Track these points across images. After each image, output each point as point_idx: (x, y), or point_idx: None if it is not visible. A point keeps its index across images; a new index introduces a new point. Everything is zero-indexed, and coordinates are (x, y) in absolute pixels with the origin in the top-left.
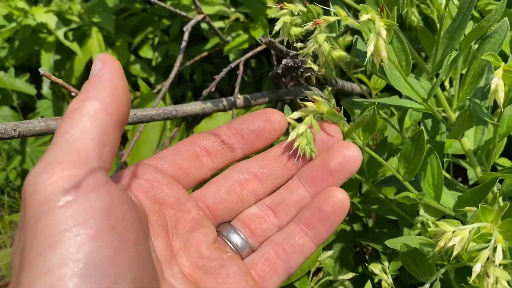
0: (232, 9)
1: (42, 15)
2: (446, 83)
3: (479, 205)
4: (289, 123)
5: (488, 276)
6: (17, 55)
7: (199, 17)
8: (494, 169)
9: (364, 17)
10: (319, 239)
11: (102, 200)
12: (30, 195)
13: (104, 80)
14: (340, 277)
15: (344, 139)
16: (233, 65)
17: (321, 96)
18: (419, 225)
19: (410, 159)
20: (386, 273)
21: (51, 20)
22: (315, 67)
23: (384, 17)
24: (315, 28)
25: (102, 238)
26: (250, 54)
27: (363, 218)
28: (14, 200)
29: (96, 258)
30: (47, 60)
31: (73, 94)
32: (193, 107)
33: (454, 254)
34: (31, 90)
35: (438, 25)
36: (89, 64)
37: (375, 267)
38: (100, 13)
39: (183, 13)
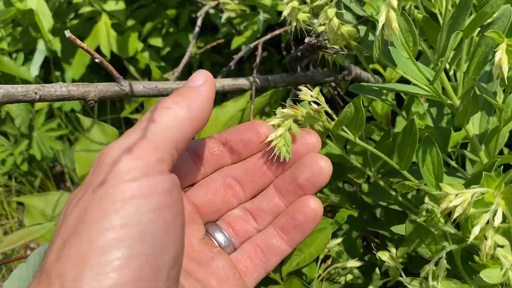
0: (237, 1)
1: (33, 2)
2: (451, 73)
3: (483, 173)
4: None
5: (486, 238)
6: (22, 42)
7: (213, 3)
8: None
9: None
10: (293, 243)
11: (164, 183)
12: (106, 164)
13: (200, 96)
14: (349, 265)
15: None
16: (251, 45)
17: (311, 95)
18: (424, 212)
19: (404, 148)
20: (394, 260)
21: (40, 8)
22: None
23: None
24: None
25: (160, 212)
26: (269, 36)
27: (372, 209)
28: (21, 185)
29: (151, 226)
30: (39, 45)
31: (96, 60)
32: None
33: (456, 215)
34: (28, 75)
35: (440, 18)
36: (99, 51)
37: (382, 255)
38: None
39: None
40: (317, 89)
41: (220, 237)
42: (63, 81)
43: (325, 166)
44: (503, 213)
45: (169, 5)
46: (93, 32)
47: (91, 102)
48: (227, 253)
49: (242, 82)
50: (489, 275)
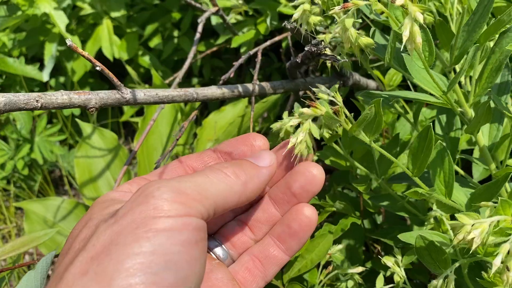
0: (241, 1)
1: (46, 6)
2: (462, 79)
3: (499, 198)
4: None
5: (508, 270)
6: (25, 45)
7: (214, 9)
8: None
9: (398, 1)
10: (290, 251)
11: (196, 223)
12: (150, 197)
13: (259, 178)
14: (350, 271)
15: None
16: (251, 52)
17: (328, 94)
18: (431, 220)
19: (418, 155)
20: (399, 267)
21: (55, 12)
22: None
23: (416, 2)
24: (333, 19)
25: (188, 246)
26: (268, 43)
27: (372, 215)
28: (20, 190)
29: (178, 258)
30: (50, 49)
31: (97, 68)
32: (214, 91)
33: (474, 247)
34: (40, 76)
35: (451, 22)
36: (99, 56)
37: (388, 260)
38: (113, 3)
39: (198, 4)
40: (335, 87)
41: (218, 250)
42: (66, 84)
43: (318, 174)
44: None
45: (171, 9)
46: (94, 35)
47: (92, 109)
48: (225, 265)
49: (242, 89)
50: None
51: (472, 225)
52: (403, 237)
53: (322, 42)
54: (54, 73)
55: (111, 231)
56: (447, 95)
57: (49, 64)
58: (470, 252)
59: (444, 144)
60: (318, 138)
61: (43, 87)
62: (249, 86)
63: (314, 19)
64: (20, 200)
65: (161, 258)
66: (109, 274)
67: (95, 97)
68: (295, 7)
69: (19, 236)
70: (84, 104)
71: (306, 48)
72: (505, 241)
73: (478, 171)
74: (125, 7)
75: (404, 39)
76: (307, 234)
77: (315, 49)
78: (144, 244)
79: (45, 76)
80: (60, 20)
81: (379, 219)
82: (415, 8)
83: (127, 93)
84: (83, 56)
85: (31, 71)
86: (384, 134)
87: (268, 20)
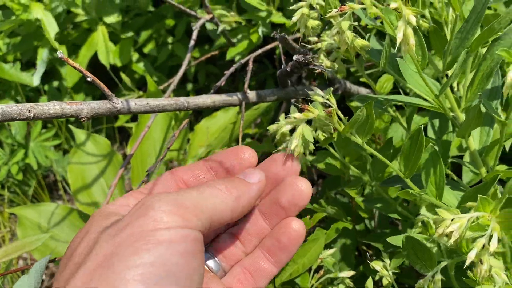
0: (233, 13)
1: (39, 11)
2: (454, 85)
3: (479, 196)
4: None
5: (481, 263)
6: (20, 50)
7: (208, 17)
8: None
9: (393, 4)
10: (280, 264)
11: (194, 234)
12: (149, 210)
13: (250, 193)
14: (341, 275)
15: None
16: (243, 61)
17: (322, 97)
18: (420, 223)
19: (410, 157)
20: (387, 270)
21: (46, 18)
22: (328, 63)
23: (409, 5)
24: (330, 23)
25: (187, 257)
26: (260, 51)
27: (365, 220)
28: (14, 195)
29: (177, 269)
30: (41, 54)
31: (88, 79)
32: (205, 99)
33: (452, 240)
34: (31, 81)
35: (446, 29)
36: (92, 61)
37: (376, 264)
38: (107, 9)
39: (193, 12)
40: (329, 89)
41: (210, 263)
42: (61, 88)
43: (305, 188)
44: (498, 238)
45: (165, 15)
46: (89, 41)
47: (84, 119)
48: (218, 277)
49: (233, 97)
50: None
51: (452, 220)
52: (392, 240)
53: (310, 52)
54: (48, 78)
55: (112, 243)
56: (439, 99)
57: (40, 69)
58: (451, 243)
59: (436, 147)
60: (312, 142)
61: (37, 92)
62: (240, 95)
63: (312, 22)
64: (14, 205)
65: (161, 269)
66: (110, 285)
67: (86, 107)
68: (294, 11)
69: (13, 241)
70: (76, 114)
71: (294, 58)
72: (481, 236)
73: (468, 176)
74: (119, 13)
75: (398, 40)
76: (296, 247)
77: (303, 59)
78: (144, 256)
79: (35, 80)
80: (51, 28)
81: (371, 224)
82: (408, 11)
83: (118, 102)
84: (74, 67)
85: (25, 77)
86: (376, 141)
87: (260, 30)
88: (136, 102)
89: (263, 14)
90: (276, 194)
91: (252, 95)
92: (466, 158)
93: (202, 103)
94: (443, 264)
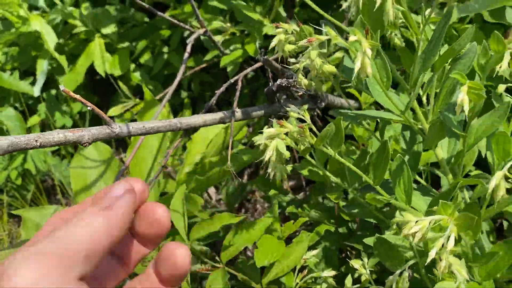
0: (229, 24)
1: (38, 24)
2: (424, 99)
3: (440, 201)
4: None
5: (440, 260)
6: (19, 60)
7: (201, 30)
8: (466, 176)
9: (352, 38)
10: None
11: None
12: (6, 276)
13: (119, 206)
14: (324, 274)
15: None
16: (232, 80)
17: (298, 113)
18: (394, 226)
19: (378, 166)
20: (365, 268)
21: (45, 30)
22: (306, 82)
23: (369, 38)
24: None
25: None
26: (249, 70)
27: (349, 222)
28: (13, 199)
29: None
30: (41, 65)
31: (89, 108)
32: (196, 119)
33: (416, 240)
34: (32, 91)
35: (419, 48)
36: (90, 68)
37: (355, 263)
38: (104, 20)
39: (186, 26)
40: (304, 107)
41: None
42: (59, 96)
43: (163, 213)
44: (458, 235)
45: (161, 26)
46: (86, 51)
47: (85, 144)
48: None
49: (222, 116)
50: (444, 287)
51: (416, 222)
52: (368, 241)
53: (293, 76)
54: (47, 86)
55: None
56: (405, 114)
57: (40, 79)
58: (416, 243)
59: (406, 157)
60: (286, 154)
61: (35, 99)
62: (228, 113)
63: (289, 47)
64: (13, 209)
65: None
66: None
67: (87, 134)
68: (274, 36)
69: (11, 243)
70: (78, 140)
71: (278, 82)
72: (441, 236)
73: (445, 182)
74: (116, 25)
75: (356, 69)
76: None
77: (286, 82)
78: None
79: (36, 91)
80: (50, 39)
81: (353, 227)
82: (366, 44)
83: (116, 127)
84: (76, 99)
85: (24, 86)
86: (360, 148)
87: (257, 43)
88: (133, 126)
89: (259, 25)
90: (137, 223)
91: (240, 113)
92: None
93: (193, 123)
94: (410, 262)
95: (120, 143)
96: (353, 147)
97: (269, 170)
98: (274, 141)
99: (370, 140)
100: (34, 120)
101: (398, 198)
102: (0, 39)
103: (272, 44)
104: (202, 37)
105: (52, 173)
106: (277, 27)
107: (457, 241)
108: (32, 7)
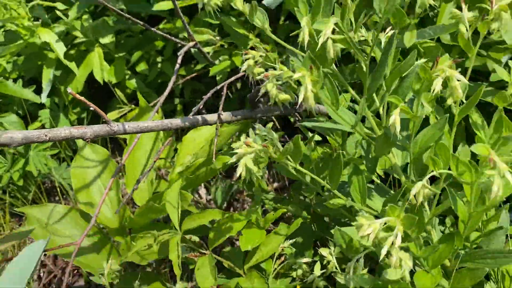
0: (218, 38)
1: (46, 35)
2: (381, 111)
3: (388, 204)
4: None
5: (391, 255)
6: (24, 68)
7: (191, 43)
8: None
9: (297, 74)
10: None
11: None
12: None
13: None
14: (299, 261)
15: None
16: (218, 87)
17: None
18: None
19: (333, 174)
20: (331, 256)
21: (54, 40)
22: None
23: (314, 72)
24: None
25: None
26: (233, 78)
27: (324, 217)
28: (15, 199)
29: None
30: (47, 74)
31: (91, 108)
32: (185, 121)
33: (370, 241)
34: (37, 99)
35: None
36: (89, 76)
37: (323, 251)
38: (103, 31)
39: (177, 40)
40: (269, 125)
41: None
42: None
43: None
44: (405, 232)
45: (155, 37)
46: (86, 60)
47: (88, 140)
48: None
49: (209, 118)
50: (390, 273)
51: (368, 225)
52: (334, 232)
53: (261, 90)
54: (48, 94)
55: None
56: (356, 127)
57: (47, 88)
58: (370, 242)
59: (364, 162)
60: (254, 169)
61: (36, 106)
62: (214, 116)
63: (258, 70)
64: (15, 206)
65: None
66: None
67: (90, 130)
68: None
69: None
70: (81, 136)
71: (248, 96)
72: (390, 236)
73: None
74: (113, 35)
75: (300, 100)
76: None
77: (256, 94)
78: None
79: (43, 98)
80: (59, 49)
81: (327, 220)
82: (308, 79)
83: (114, 126)
84: (80, 100)
85: (28, 93)
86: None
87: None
88: (129, 125)
89: (244, 38)
90: None
91: (225, 116)
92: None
93: (182, 124)
94: (366, 251)
95: (116, 147)
96: (327, 149)
97: (243, 174)
98: (242, 160)
99: (344, 143)
100: (35, 126)
101: (354, 199)
102: (8, 50)
103: (243, 68)
104: (192, 51)
105: (52, 175)
106: (245, 54)
107: (406, 237)
108: (34, 19)
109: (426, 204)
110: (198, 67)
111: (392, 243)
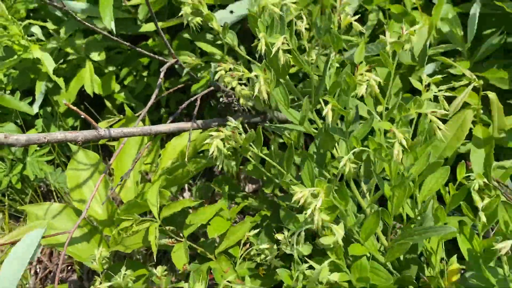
0: (194, 58)
1: (38, 52)
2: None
3: (316, 179)
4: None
5: (314, 215)
6: (18, 82)
7: (173, 61)
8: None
9: (253, 73)
10: None
11: None
12: None
13: None
14: (261, 247)
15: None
16: (192, 99)
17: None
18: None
19: (288, 160)
20: (286, 239)
21: (45, 57)
22: (242, 101)
23: (268, 73)
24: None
25: None
26: (205, 91)
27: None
28: (13, 201)
29: None
30: (40, 87)
31: (82, 116)
32: (163, 127)
33: (300, 204)
34: (31, 111)
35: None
36: (81, 90)
37: (279, 236)
38: (93, 49)
39: (160, 58)
40: (239, 119)
41: None
42: (53, 113)
43: None
44: (335, 205)
45: (142, 53)
46: (78, 75)
47: (79, 142)
48: None
49: (184, 125)
50: (324, 240)
51: (301, 192)
52: (283, 215)
53: (233, 96)
54: (43, 104)
55: None
56: (304, 124)
57: (39, 99)
58: (300, 206)
59: (315, 156)
60: (224, 151)
61: (33, 116)
62: (189, 124)
63: (228, 79)
64: (13, 210)
65: None
66: None
67: (81, 135)
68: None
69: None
70: (74, 139)
71: (221, 100)
72: (315, 201)
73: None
74: (104, 52)
75: (255, 93)
76: None
77: (228, 100)
78: None
79: (35, 109)
80: (49, 64)
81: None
82: (261, 77)
83: (102, 131)
84: (73, 109)
85: (23, 106)
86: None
87: (212, 68)
88: (114, 131)
89: (217, 57)
90: None
91: (199, 123)
92: None
93: (161, 130)
94: (305, 227)
95: (106, 154)
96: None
97: (218, 163)
98: (215, 141)
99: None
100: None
101: (305, 183)
102: (4, 65)
103: (216, 77)
104: (176, 65)
105: (47, 179)
106: (219, 66)
107: (335, 208)
108: (29, 35)
109: (353, 182)
110: (182, 79)
111: (316, 207)
